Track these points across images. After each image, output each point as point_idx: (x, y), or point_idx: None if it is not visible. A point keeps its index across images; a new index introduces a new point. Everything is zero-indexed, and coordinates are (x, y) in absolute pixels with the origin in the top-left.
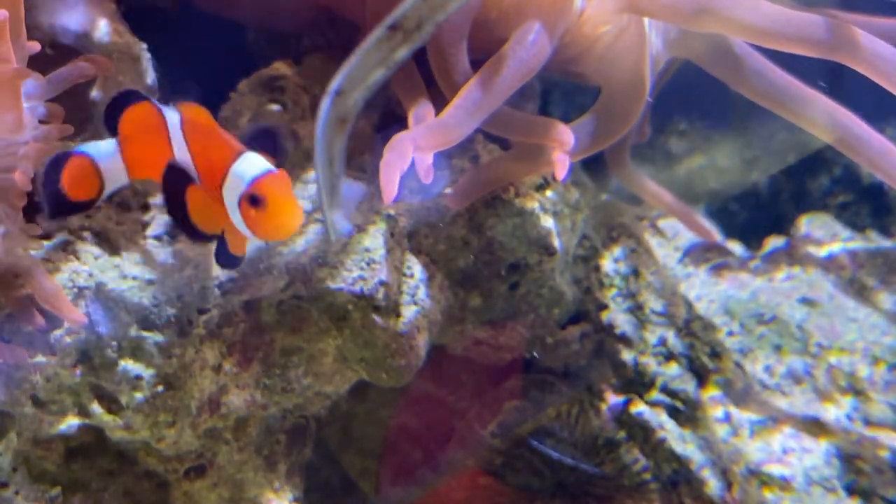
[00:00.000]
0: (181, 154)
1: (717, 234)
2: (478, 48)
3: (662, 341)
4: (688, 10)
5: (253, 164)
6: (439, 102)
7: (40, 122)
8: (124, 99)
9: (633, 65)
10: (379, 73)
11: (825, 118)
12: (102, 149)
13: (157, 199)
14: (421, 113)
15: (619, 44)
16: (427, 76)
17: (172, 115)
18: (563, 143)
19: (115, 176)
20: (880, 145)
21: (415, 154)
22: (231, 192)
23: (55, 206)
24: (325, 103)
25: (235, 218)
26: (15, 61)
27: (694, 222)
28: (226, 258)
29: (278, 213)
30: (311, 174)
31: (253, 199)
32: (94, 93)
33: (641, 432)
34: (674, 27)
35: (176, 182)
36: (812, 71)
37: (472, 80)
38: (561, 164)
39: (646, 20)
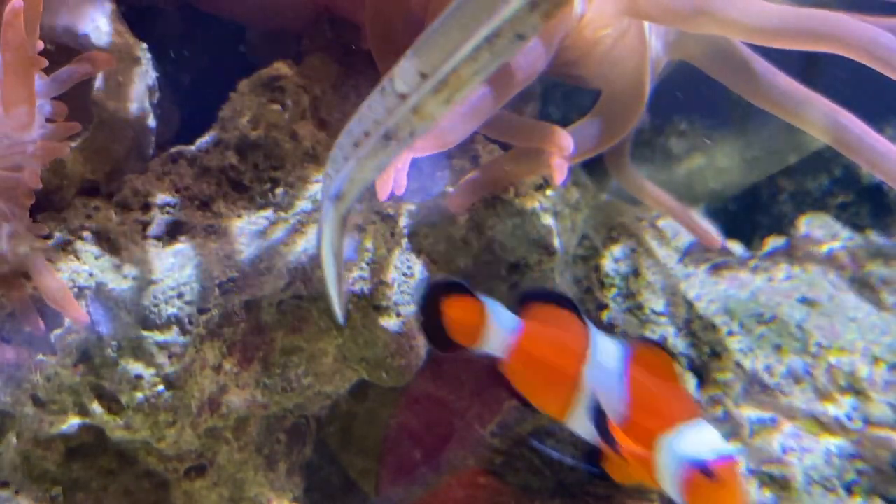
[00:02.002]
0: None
1: (718, 239)
2: None
3: (662, 341)
4: (687, 12)
5: (707, 438)
6: None
7: (46, 120)
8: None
9: (633, 68)
10: (374, 175)
11: (824, 119)
12: (505, 318)
13: (156, 198)
14: None
15: (619, 47)
16: None
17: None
18: (562, 148)
19: (494, 343)
20: (880, 146)
21: (409, 156)
22: (673, 455)
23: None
24: (326, 207)
25: (666, 477)
26: (29, 51)
27: (694, 224)
28: (599, 472)
29: (732, 496)
30: (310, 173)
31: (708, 473)
32: (96, 90)
33: None
34: (673, 29)
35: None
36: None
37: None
38: (559, 169)
39: (645, 23)
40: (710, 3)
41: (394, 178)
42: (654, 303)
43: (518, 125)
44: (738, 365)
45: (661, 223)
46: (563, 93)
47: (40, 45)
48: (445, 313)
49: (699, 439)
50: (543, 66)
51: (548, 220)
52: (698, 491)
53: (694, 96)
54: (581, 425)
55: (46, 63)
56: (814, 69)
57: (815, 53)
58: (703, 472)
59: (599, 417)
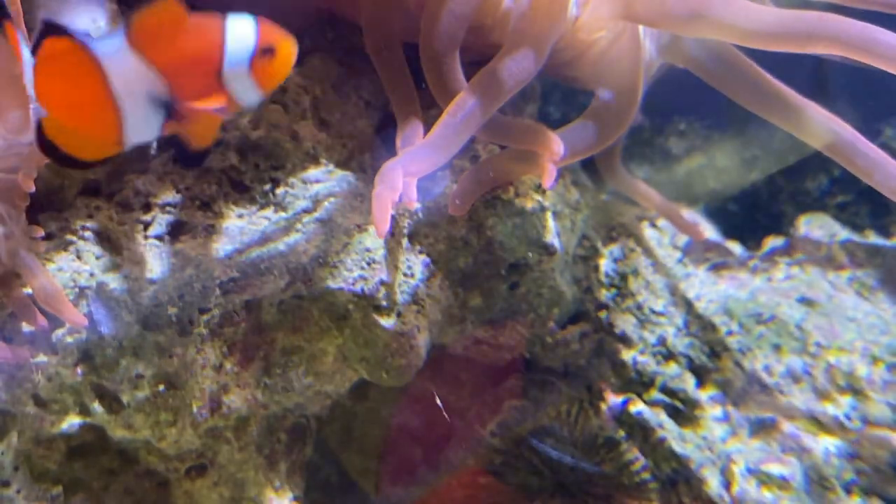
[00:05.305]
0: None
1: (705, 232)
2: (474, 52)
3: (662, 341)
4: (683, 16)
5: (242, 25)
6: (429, 101)
7: None
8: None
9: (626, 70)
10: None
11: (817, 127)
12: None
13: (157, 198)
14: (409, 136)
15: (613, 49)
16: (420, 74)
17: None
18: (553, 152)
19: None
20: (873, 154)
21: (406, 179)
22: (237, 63)
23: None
24: None
25: (242, 86)
26: (22, 58)
27: (682, 222)
28: (191, 156)
29: (287, 53)
30: (310, 173)
31: (267, 51)
32: None
33: (641, 431)
34: (667, 33)
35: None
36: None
37: (460, 96)
38: (549, 173)
39: (640, 26)
40: (706, 7)
41: (404, 189)
42: (654, 302)
43: (511, 127)
44: (738, 365)
45: (660, 223)
46: (562, 93)
47: None
48: None
49: (239, 35)
50: (533, 74)
51: (548, 219)
52: (266, 72)
53: (693, 96)
54: (142, 128)
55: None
56: (813, 70)
57: (815, 54)
58: (263, 56)
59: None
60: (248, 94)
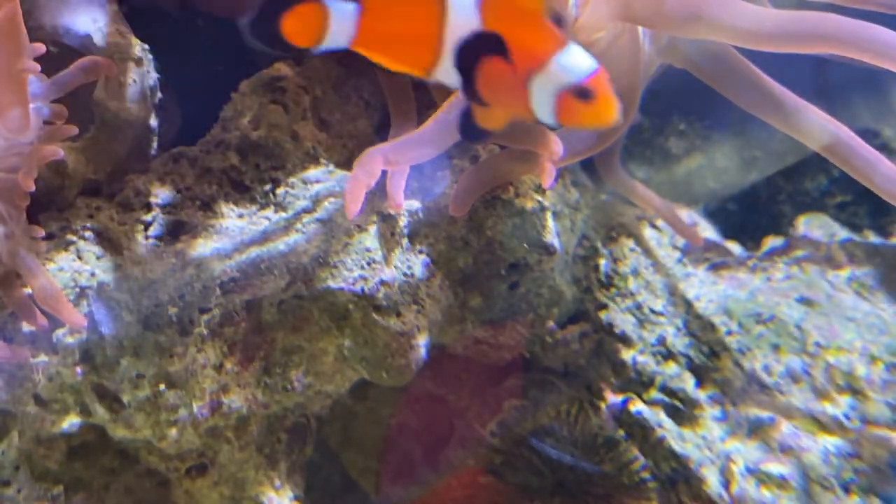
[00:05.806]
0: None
1: (704, 233)
2: None
3: (661, 340)
4: (681, 18)
5: (580, 57)
6: (429, 103)
7: (45, 122)
8: None
9: (625, 71)
10: None
11: (815, 128)
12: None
13: (158, 199)
14: (401, 134)
15: (612, 50)
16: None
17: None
18: (552, 152)
19: (338, 37)
20: (870, 156)
21: (386, 168)
22: (549, 82)
23: (266, 36)
24: None
25: (541, 103)
26: (22, 56)
27: (680, 224)
28: (474, 130)
29: (607, 107)
30: (310, 173)
31: (583, 93)
32: (97, 91)
33: (640, 431)
34: (666, 34)
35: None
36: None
37: (456, 93)
38: (548, 173)
39: (639, 27)
40: (704, 8)
41: (391, 193)
42: (653, 302)
43: (511, 127)
44: (737, 364)
45: (660, 223)
46: None
47: (42, 47)
48: (286, 23)
49: (569, 63)
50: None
51: (548, 220)
52: (577, 111)
53: (693, 96)
54: (448, 76)
55: (39, 67)
56: (812, 71)
57: (814, 55)
58: (578, 94)
59: (465, 62)
60: (545, 116)
